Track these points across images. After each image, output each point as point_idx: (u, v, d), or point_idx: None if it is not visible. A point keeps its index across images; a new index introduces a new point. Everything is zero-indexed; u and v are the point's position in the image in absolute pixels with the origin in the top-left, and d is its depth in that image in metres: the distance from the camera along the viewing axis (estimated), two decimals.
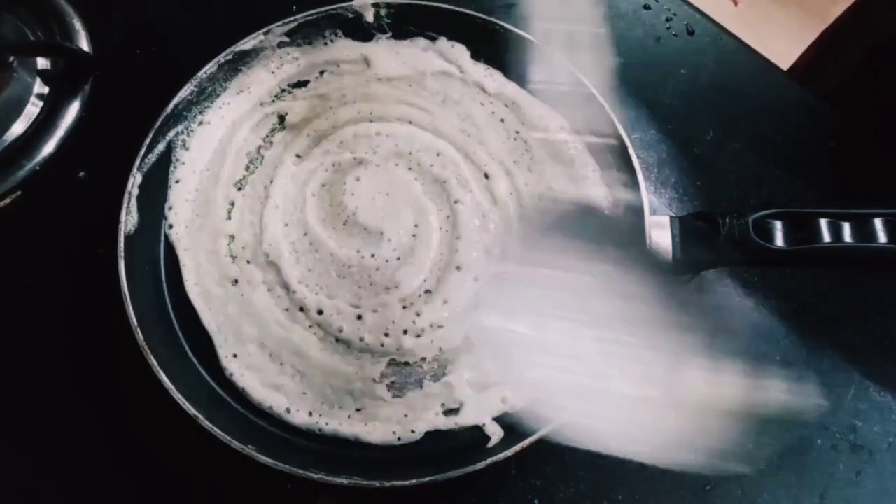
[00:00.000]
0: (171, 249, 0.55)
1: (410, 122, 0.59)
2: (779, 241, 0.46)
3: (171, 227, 0.56)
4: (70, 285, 0.58)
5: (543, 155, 0.58)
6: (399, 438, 0.49)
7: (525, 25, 0.59)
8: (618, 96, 0.63)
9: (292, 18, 0.60)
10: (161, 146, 0.56)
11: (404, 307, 0.52)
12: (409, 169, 0.57)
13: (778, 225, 0.47)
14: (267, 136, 0.60)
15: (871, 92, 0.69)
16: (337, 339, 0.51)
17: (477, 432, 0.48)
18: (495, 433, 0.48)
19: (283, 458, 0.44)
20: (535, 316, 0.47)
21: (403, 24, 0.62)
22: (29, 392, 0.55)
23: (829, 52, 0.78)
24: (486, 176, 0.57)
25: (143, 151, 0.54)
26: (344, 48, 0.62)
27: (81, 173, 0.62)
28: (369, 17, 0.62)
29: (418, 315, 0.52)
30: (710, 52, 0.67)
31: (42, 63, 0.66)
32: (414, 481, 0.43)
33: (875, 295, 0.57)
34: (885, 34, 0.68)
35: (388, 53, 0.62)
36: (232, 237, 0.55)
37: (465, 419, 0.49)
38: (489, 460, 0.44)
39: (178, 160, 0.58)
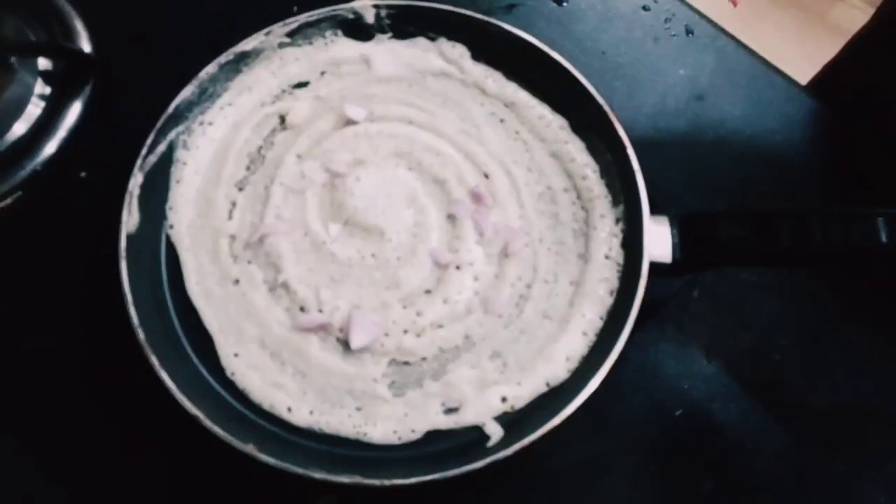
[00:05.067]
0: (172, 249, 0.55)
1: (410, 122, 0.59)
2: (778, 240, 0.46)
3: (172, 227, 0.56)
4: (71, 285, 0.58)
5: (543, 155, 0.58)
6: (399, 438, 0.49)
7: (525, 26, 0.59)
8: (617, 96, 0.64)
9: (293, 19, 0.60)
10: (162, 146, 0.56)
11: (404, 307, 0.52)
12: (409, 169, 0.57)
13: (777, 225, 0.47)
14: (268, 136, 0.60)
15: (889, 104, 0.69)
16: (337, 339, 0.51)
17: (477, 432, 0.48)
18: (495, 433, 0.48)
19: (284, 458, 0.44)
20: None
21: (403, 25, 0.62)
22: (29, 391, 0.55)
23: (848, 68, 0.77)
24: (486, 176, 0.57)
25: (144, 152, 0.54)
26: (344, 48, 0.62)
27: (83, 174, 0.62)
28: (369, 17, 0.62)
29: (418, 315, 0.52)
30: (709, 52, 0.67)
31: (43, 63, 0.66)
32: (414, 480, 0.43)
33: (875, 295, 0.57)
34: None
35: (388, 54, 0.62)
36: (233, 237, 0.55)
37: (465, 418, 0.49)
38: (489, 460, 0.44)
39: (179, 160, 0.58)
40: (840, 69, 0.79)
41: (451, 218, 0.55)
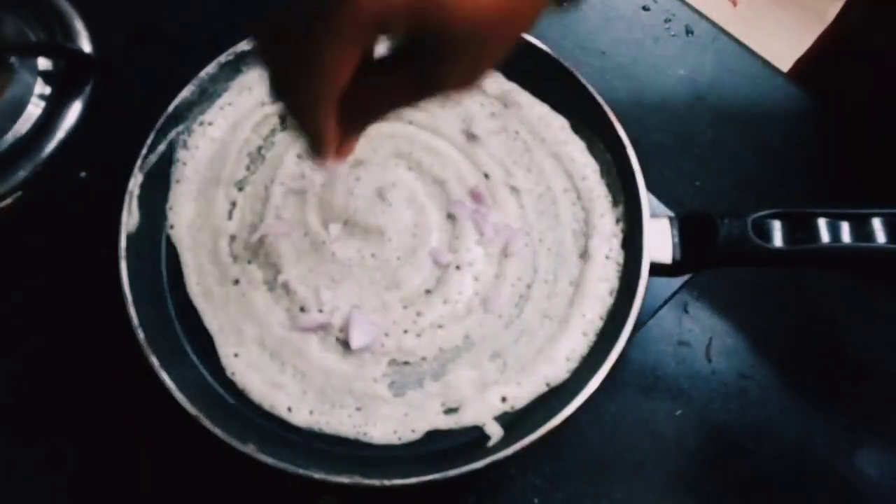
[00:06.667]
0: (172, 249, 0.55)
1: (410, 123, 0.59)
2: (777, 241, 0.46)
3: (172, 227, 0.56)
4: (71, 286, 0.58)
5: (543, 155, 0.58)
6: (399, 438, 0.49)
7: None
8: (617, 96, 0.64)
9: None
10: (162, 146, 0.56)
11: (404, 307, 0.52)
12: (409, 169, 0.57)
13: (776, 225, 0.47)
14: (268, 136, 0.60)
15: (868, 92, 0.69)
16: (337, 339, 0.51)
17: (477, 432, 0.49)
18: (495, 433, 0.48)
19: (284, 458, 0.44)
20: None
21: None
22: (29, 391, 0.55)
23: (827, 54, 0.78)
24: (486, 176, 0.57)
25: (144, 152, 0.54)
26: None
27: (83, 174, 0.62)
28: None
29: (418, 315, 0.52)
30: (709, 52, 0.67)
31: (43, 63, 0.66)
32: (414, 480, 0.43)
33: (875, 295, 0.57)
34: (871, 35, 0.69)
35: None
36: (233, 237, 0.55)
37: (465, 418, 0.49)
38: (489, 460, 0.44)
39: (179, 160, 0.58)
40: (818, 55, 0.79)
41: (451, 218, 0.55)
